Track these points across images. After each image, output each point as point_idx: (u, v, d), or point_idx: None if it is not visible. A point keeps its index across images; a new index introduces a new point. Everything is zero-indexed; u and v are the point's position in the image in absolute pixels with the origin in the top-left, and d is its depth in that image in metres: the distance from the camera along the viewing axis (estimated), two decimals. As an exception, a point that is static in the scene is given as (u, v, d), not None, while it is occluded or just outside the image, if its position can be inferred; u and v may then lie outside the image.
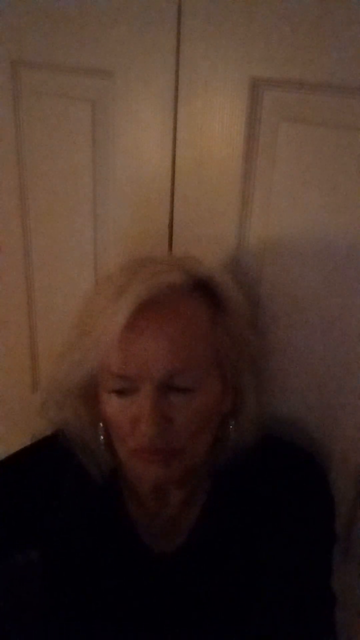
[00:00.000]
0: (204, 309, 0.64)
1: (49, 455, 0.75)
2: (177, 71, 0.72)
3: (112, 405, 0.64)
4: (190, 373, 0.61)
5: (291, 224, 0.71)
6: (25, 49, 0.82)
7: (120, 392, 0.63)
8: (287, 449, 0.73)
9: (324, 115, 0.64)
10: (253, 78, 0.67)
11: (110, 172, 0.82)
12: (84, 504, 0.73)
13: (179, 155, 0.75)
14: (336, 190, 0.66)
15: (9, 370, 1.08)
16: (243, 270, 0.76)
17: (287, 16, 0.63)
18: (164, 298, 0.61)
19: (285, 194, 0.70)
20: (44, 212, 0.91)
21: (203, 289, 0.65)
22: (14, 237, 0.96)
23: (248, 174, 0.72)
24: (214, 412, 0.65)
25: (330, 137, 0.64)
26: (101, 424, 0.68)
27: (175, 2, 0.69)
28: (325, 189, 0.67)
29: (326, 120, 0.64)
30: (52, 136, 0.85)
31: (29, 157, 0.89)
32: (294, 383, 0.77)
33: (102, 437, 0.69)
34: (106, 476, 0.71)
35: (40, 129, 0.86)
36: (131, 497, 0.73)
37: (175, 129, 0.74)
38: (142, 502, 0.72)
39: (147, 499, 0.72)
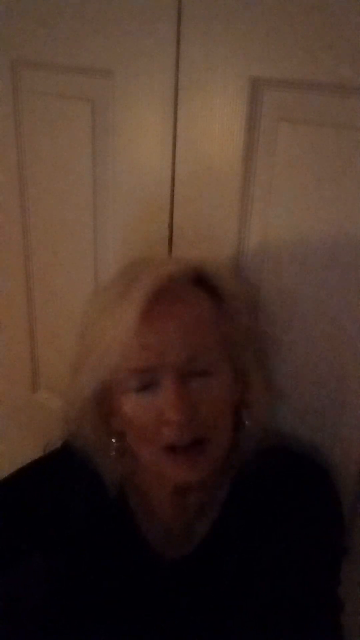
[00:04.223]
0: (206, 298, 0.66)
1: (59, 465, 0.76)
2: (177, 71, 0.72)
3: (133, 405, 0.63)
4: (206, 355, 0.63)
5: (291, 224, 0.70)
6: (25, 49, 0.82)
7: (141, 390, 0.62)
8: (301, 462, 0.74)
9: (324, 115, 0.64)
10: (253, 78, 0.67)
11: (110, 171, 0.82)
12: (92, 513, 0.73)
13: (179, 155, 0.75)
14: (336, 190, 0.66)
15: (9, 370, 1.08)
16: (243, 271, 0.76)
17: (286, 16, 0.63)
18: (168, 288, 0.62)
19: (285, 194, 0.70)
20: (44, 212, 0.91)
21: (201, 280, 0.67)
22: (14, 236, 0.96)
23: (248, 174, 0.72)
24: (230, 399, 0.66)
25: (330, 137, 0.64)
26: (114, 440, 0.68)
27: (175, 2, 0.69)
28: (326, 189, 0.67)
29: (326, 120, 0.64)
30: (52, 136, 0.85)
31: (28, 156, 0.89)
32: (293, 385, 0.77)
33: (113, 453, 0.69)
34: (116, 486, 0.71)
35: (40, 129, 0.86)
36: (142, 505, 0.73)
37: (175, 128, 0.74)
38: (156, 510, 0.72)
39: (164, 506, 0.71)
